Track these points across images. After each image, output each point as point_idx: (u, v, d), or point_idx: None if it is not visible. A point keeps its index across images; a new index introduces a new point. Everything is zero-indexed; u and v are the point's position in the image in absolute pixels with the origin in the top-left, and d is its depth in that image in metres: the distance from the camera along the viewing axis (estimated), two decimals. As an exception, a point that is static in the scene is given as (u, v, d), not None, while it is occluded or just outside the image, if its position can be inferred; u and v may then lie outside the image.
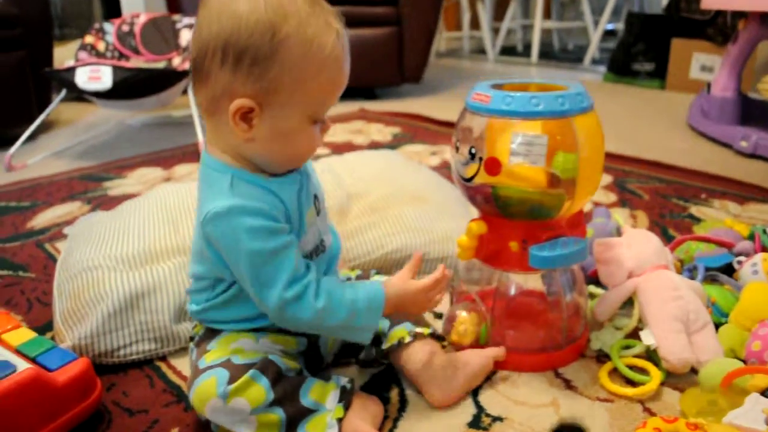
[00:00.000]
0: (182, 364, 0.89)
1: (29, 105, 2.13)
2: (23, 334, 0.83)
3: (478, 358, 0.82)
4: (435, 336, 0.84)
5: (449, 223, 1.12)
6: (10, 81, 2.06)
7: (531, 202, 0.78)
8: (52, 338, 0.93)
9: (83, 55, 2.07)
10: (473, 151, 0.79)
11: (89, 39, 2.12)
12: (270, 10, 0.63)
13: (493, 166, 0.77)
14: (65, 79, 1.77)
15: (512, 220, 0.81)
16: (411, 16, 2.65)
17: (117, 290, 0.90)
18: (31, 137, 2.03)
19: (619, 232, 1.09)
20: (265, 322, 0.76)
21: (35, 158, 1.95)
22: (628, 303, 0.91)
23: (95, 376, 0.79)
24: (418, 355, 0.80)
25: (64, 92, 1.94)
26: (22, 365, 0.72)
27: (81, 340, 0.87)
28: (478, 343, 0.86)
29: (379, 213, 1.13)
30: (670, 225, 1.32)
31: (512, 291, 0.88)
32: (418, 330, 0.82)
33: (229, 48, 0.64)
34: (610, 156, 1.82)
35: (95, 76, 1.75)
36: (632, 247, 0.92)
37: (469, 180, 0.80)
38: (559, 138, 0.76)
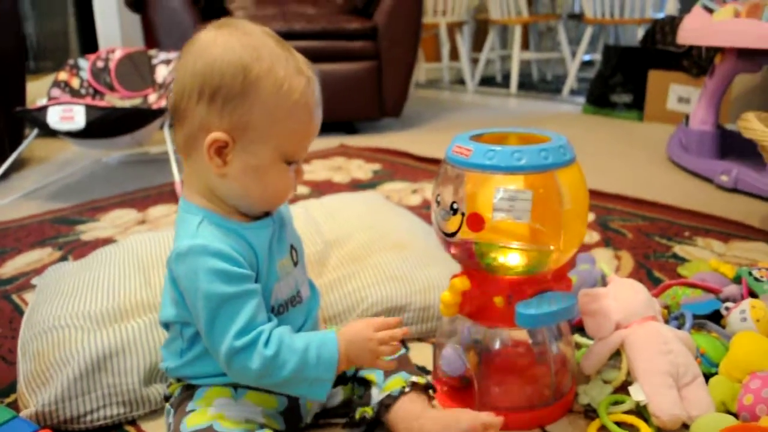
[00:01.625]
0: (153, 427, 0.85)
1: (1, 143, 2.07)
2: (-19, 403, 0.78)
3: (468, 418, 0.77)
4: (426, 388, 0.82)
5: (431, 270, 1.09)
6: (-20, 120, 2.01)
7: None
8: (15, 401, 0.89)
9: (56, 92, 2.02)
10: (455, 206, 0.76)
11: (63, 75, 2.08)
12: (244, 52, 0.67)
13: (476, 222, 0.74)
14: (37, 119, 1.73)
15: (496, 275, 0.79)
16: (389, 50, 2.65)
17: (83, 352, 0.85)
18: (2, 176, 1.98)
19: (604, 281, 1.07)
20: None
21: (5, 200, 1.89)
22: (616, 354, 0.89)
23: (58, 449, 0.74)
24: (409, 409, 0.78)
25: (36, 130, 1.89)
26: (-22, 442, 0.68)
27: (45, 407, 0.82)
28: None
29: (358, 262, 1.09)
30: (654, 266, 1.31)
31: (497, 345, 0.85)
32: (414, 379, 0.80)
33: (205, 87, 0.67)
34: (591, 193, 1.81)
35: (68, 116, 1.71)
36: (619, 299, 0.90)
37: (452, 235, 0.78)
38: (543, 192, 0.74)
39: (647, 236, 1.48)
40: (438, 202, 0.80)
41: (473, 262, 0.79)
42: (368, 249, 1.13)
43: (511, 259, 0.76)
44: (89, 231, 1.61)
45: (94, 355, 0.85)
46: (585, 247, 1.42)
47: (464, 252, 0.78)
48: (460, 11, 4.13)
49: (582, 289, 0.91)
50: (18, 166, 2.27)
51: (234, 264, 0.67)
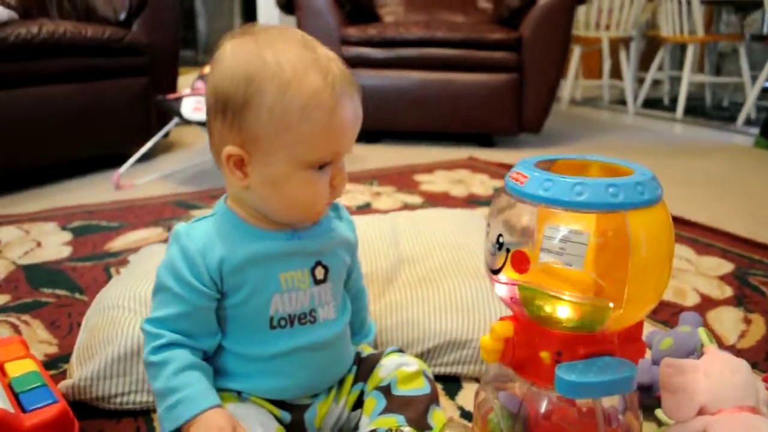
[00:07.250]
0: (179, 423, 0.83)
1: (149, 127, 2.26)
2: (24, 366, 0.82)
3: None
4: None
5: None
6: (133, 104, 2.20)
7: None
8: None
9: (199, 84, 2.14)
10: (501, 239, 0.66)
11: (207, 70, 2.20)
12: (249, 61, 0.65)
13: (521, 261, 0.64)
14: (172, 108, 1.85)
15: (543, 325, 0.67)
16: (533, 63, 2.51)
17: (126, 334, 0.87)
18: (148, 157, 2.14)
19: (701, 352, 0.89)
20: (247, 384, 0.73)
21: (143, 179, 2.04)
22: (701, 442, 0.73)
23: (72, 421, 0.76)
24: None
25: (177, 118, 2.02)
26: (-5, 403, 0.70)
27: (82, 381, 0.84)
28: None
29: (428, 285, 1.00)
30: (791, 339, 1.08)
31: (543, 407, 0.73)
32: (407, 429, 0.72)
33: (217, 101, 0.67)
34: (735, 239, 1.57)
35: (200, 107, 1.80)
36: (711, 376, 0.73)
37: (496, 272, 0.67)
38: (606, 236, 0.61)
39: (794, 301, 1.24)
40: (488, 233, 0.70)
41: (519, 308, 0.68)
42: (444, 271, 1.04)
43: (559, 310, 0.65)
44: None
45: (135, 339, 0.86)
46: (712, 303, 1.21)
47: (508, 294, 0.68)
48: (627, 26, 3.83)
49: (665, 358, 0.76)
50: (165, 148, 2.46)
51: (190, 270, 0.67)
